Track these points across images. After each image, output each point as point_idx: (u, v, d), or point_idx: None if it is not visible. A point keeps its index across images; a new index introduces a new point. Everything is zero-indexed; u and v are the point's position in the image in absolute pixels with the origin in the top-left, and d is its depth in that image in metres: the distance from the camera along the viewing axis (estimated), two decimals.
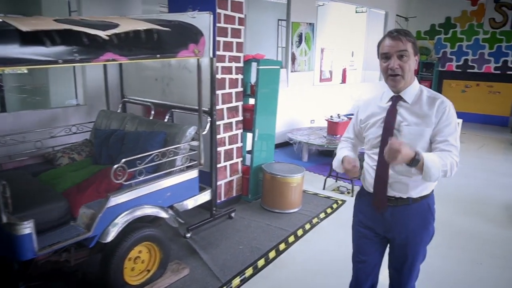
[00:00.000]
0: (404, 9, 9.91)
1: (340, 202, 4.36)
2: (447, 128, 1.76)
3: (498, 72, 9.41)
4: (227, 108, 3.86)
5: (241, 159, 4.16)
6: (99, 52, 2.19)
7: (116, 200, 2.43)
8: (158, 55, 2.51)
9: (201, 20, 3.21)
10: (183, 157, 2.89)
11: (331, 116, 6.38)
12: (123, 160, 2.43)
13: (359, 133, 2.02)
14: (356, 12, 10.17)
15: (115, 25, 2.33)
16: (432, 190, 1.96)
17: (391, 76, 1.75)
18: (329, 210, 4.15)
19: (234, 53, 3.84)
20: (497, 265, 3.21)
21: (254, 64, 4.10)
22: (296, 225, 3.75)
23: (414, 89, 1.82)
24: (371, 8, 9.01)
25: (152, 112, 3.56)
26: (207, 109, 3.39)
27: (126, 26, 2.36)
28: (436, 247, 3.42)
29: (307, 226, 3.76)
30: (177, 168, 2.85)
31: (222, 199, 4.03)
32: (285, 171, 4.06)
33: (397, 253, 1.98)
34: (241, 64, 3.94)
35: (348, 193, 4.65)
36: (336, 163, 1.99)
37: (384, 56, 1.76)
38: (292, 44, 6.54)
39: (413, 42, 1.77)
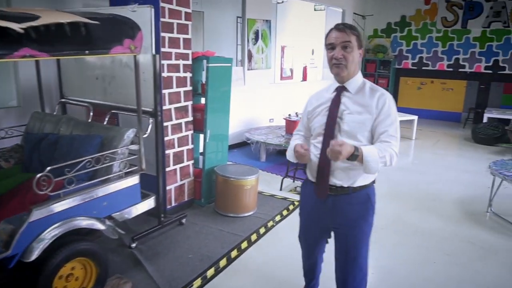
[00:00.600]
0: (361, 7, 10.00)
1: (296, 203, 4.25)
2: (387, 119, 1.87)
3: (451, 69, 9.69)
4: (175, 108, 3.65)
5: (192, 161, 3.95)
6: (13, 47, 1.93)
7: (40, 213, 2.17)
8: (86, 51, 2.26)
9: (142, 14, 2.99)
10: (121, 162, 2.66)
11: (289, 115, 6.28)
12: (48, 168, 2.18)
13: (307, 125, 2.08)
14: (314, 10, 10.18)
15: (35, 18, 2.07)
16: (373, 181, 2.04)
17: (335, 65, 1.87)
18: (285, 212, 4.03)
19: (182, 50, 3.63)
20: (449, 262, 3.20)
21: (205, 62, 3.91)
22: (250, 230, 3.60)
23: (357, 80, 1.94)
24: (329, 6, 9.01)
25: (91, 114, 3.29)
26: (151, 110, 3.17)
27: (47, 18, 2.11)
28: (390, 246, 3.40)
29: (262, 230, 3.61)
30: (115, 174, 2.62)
31: (173, 204, 3.81)
32: (239, 173, 3.90)
33: (339, 243, 2.08)
34: (189, 62, 3.73)
35: None
36: (289, 152, 2.07)
37: (330, 47, 1.87)
38: (248, 41, 6.39)
39: (357, 35, 1.89)
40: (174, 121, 3.66)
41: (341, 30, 1.85)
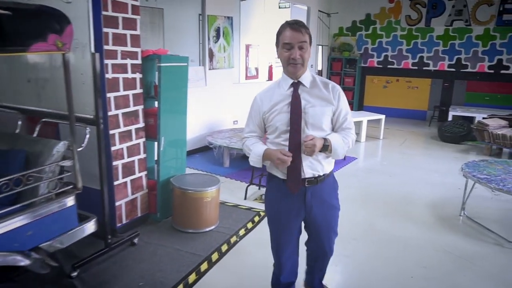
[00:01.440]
0: (326, 5, 9.82)
1: (262, 214, 3.92)
2: (345, 109, 2.04)
3: (416, 67, 9.68)
4: (123, 113, 3.23)
5: (145, 172, 3.54)
6: None
7: None
8: None
9: (78, 6, 2.57)
10: (50, 182, 2.23)
11: None
12: None
13: (260, 125, 2.06)
14: (279, 7, 9.92)
15: None
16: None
17: (292, 64, 1.89)
18: (250, 225, 3.69)
19: (129, 48, 3.21)
20: (427, 276, 2.97)
21: (157, 61, 3.50)
22: (211, 248, 3.23)
23: (308, 75, 2.01)
24: (294, 3, 8.76)
25: (19, 123, 2.82)
26: (91, 117, 2.74)
27: None
28: (363, 259, 3.12)
29: (224, 248, 3.26)
30: (42, 197, 2.19)
31: (124, 221, 3.39)
32: (198, 183, 3.52)
33: (315, 232, 2.18)
34: (138, 61, 3.32)
35: None
36: (255, 158, 1.99)
37: (288, 47, 1.88)
38: (209, 39, 6.01)
39: (309, 34, 1.93)
40: (122, 128, 3.24)
41: (297, 30, 1.86)
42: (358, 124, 7.36)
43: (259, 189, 4.52)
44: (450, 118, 8.15)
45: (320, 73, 10.04)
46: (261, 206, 4.13)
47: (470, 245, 3.45)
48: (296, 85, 1.95)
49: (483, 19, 8.86)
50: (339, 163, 5.78)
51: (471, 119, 8.31)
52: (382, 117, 7.48)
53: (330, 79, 10.62)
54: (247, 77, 9.31)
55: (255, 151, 1.99)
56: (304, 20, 8.98)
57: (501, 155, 6.62)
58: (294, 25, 1.87)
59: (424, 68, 9.58)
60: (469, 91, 9.30)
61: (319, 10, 9.36)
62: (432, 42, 9.40)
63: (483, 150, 6.67)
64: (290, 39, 1.85)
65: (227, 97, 6.54)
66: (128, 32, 3.19)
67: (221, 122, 6.46)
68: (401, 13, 9.60)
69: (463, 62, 9.18)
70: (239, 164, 5.56)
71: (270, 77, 9.43)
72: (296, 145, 1.92)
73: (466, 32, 9.05)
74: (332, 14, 9.96)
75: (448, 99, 9.49)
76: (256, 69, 9.83)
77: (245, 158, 5.66)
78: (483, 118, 7.09)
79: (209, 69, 6.08)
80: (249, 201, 4.28)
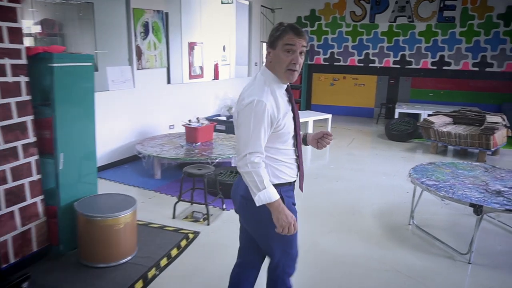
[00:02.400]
0: (269, 0, 9.41)
1: (191, 236, 3.39)
2: None
3: (362, 64, 9.53)
4: (2, 127, 2.57)
5: (41, 197, 2.89)
6: None
7: None
8: None
9: None
10: None
11: (189, 121, 5.40)
12: None
13: (267, 137, 1.77)
14: (222, 3, 9.38)
15: None
16: None
17: (291, 70, 1.76)
18: (174, 252, 3.14)
19: (7, 45, 2.55)
20: None
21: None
22: (122, 287, 2.65)
23: None
24: None
25: None
26: None
27: None
28: (302, 284, 2.68)
29: (139, 286, 2.69)
30: None
31: (12, 261, 2.72)
32: (107, 207, 2.92)
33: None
34: (22, 61, 2.67)
35: (204, 219, 3.71)
36: (263, 197, 1.68)
37: (290, 49, 1.73)
38: (136, 35, 5.36)
39: (308, 40, 1.66)
40: (2, 146, 2.57)
41: (301, 35, 1.75)
42: (304, 125, 7.01)
43: (191, 204, 3.99)
44: (396, 115, 8.02)
45: None
46: (191, 226, 3.60)
47: (420, 260, 3.12)
48: (289, 89, 1.89)
49: (425, 15, 8.84)
50: None
51: (416, 116, 8.25)
52: (329, 116, 7.18)
53: None
54: (191, 77, 8.71)
55: (270, 192, 1.68)
56: (246, 16, 8.51)
57: (447, 153, 6.53)
58: (297, 30, 1.74)
59: (370, 65, 9.46)
60: (414, 88, 9.28)
61: (262, 5, 8.93)
62: (377, 38, 9.28)
63: (429, 148, 6.54)
64: (295, 42, 1.72)
65: (160, 99, 5.92)
66: (4, 25, 2.53)
67: (155, 127, 5.84)
68: (345, 9, 9.40)
69: (408, 59, 9.14)
70: (172, 174, 4.97)
71: (216, 76, 8.89)
72: (299, 146, 1.91)
73: (409, 28, 9.00)
74: (276, 9, 9.57)
75: (394, 96, 9.42)
76: (201, 68, 9.25)
77: (180, 168, 5.10)
78: (428, 115, 6.98)
79: (138, 69, 5.43)
80: (178, 220, 3.73)
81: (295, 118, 1.85)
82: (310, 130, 6.92)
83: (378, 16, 9.18)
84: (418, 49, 9.01)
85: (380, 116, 9.20)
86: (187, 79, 8.29)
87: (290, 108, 1.83)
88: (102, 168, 5.05)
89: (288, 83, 1.85)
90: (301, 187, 2.04)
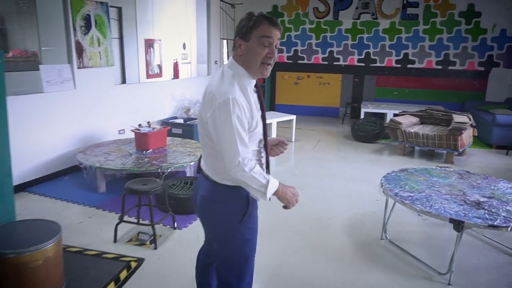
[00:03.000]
0: None
1: (134, 265, 2.87)
2: None
3: (326, 62, 9.25)
4: None
5: None
6: None
7: None
8: None
9: None
10: None
11: (140, 125, 4.84)
12: None
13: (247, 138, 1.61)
14: None
15: None
16: None
17: (267, 64, 1.62)
18: None
19: None
20: None
21: None
22: None
23: None
24: None
25: None
26: None
27: None
28: None
29: None
30: None
31: None
32: (23, 240, 2.37)
33: None
34: None
35: (151, 242, 3.20)
36: (269, 189, 1.60)
37: (266, 42, 1.58)
38: (75, 30, 4.74)
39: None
40: None
41: (277, 27, 1.61)
42: (267, 127, 6.59)
43: (137, 223, 3.45)
44: (362, 115, 7.78)
45: None
46: (135, 251, 3.08)
47: (397, 283, 2.77)
48: (257, 86, 1.71)
49: (389, 12, 8.66)
50: None
51: (382, 115, 8.04)
52: (293, 117, 6.81)
53: None
54: (148, 76, 8.10)
55: (272, 182, 1.62)
56: (204, 12, 7.99)
57: (414, 153, 6.32)
58: (273, 20, 1.60)
59: (335, 63, 9.19)
60: (378, 86, 9.09)
61: (221, 0, 8.43)
62: (341, 35, 9.03)
63: (397, 150, 6.29)
64: (271, 34, 1.58)
65: (108, 101, 5.32)
66: None
67: (101, 133, 5.23)
68: (308, 5, 9.08)
69: (372, 57, 8.94)
70: (118, 187, 4.38)
71: (176, 75, 8.32)
72: (267, 146, 1.79)
73: (373, 25, 8.80)
74: (236, 5, 9.10)
75: (359, 95, 9.20)
76: (160, 67, 8.64)
77: (129, 178, 4.50)
78: (395, 115, 6.75)
79: (79, 67, 4.81)
80: (120, 244, 3.20)
81: (264, 117, 1.71)
82: (273, 133, 6.52)
83: (342, 12, 8.91)
84: (382, 47, 8.83)
85: (346, 116, 8.95)
86: (144, 78, 7.71)
87: (258, 106, 1.68)
88: (37, 182, 4.42)
89: (257, 79, 1.69)
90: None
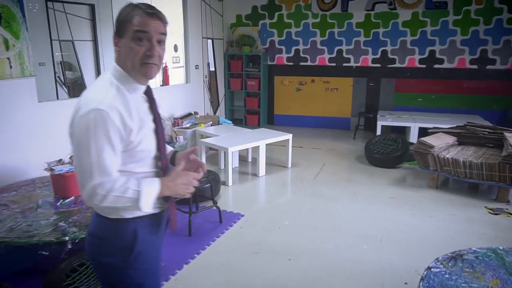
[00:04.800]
0: None
1: None
2: None
3: (333, 64, 7.67)
4: None
5: None
6: None
7: None
8: None
9: None
10: None
11: (59, 161, 3.38)
12: None
13: (115, 159, 1.32)
14: None
15: None
16: None
17: (147, 64, 1.34)
18: None
19: None
20: None
21: None
22: None
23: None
24: None
25: None
26: None
27: None
28: None
29: None
30: None
31: None
32: None
33: None
34: None
35: None
36: (149, 196, 1.33)
37: (142, 36, 1.31)
38: None
39: (167, 25, 1.39)
40: None
41: (156, 17, 1.33)
42: (255, 150, 5.09)
43: None
44: (378, 130, 6.19)
45: (214, 75, 7.66)
46: None
47: None
48: (149, 92, 1.45)
49: (410, 1, 7.04)
50: (210, 231, 3.43)
51: (404, 129, 6.45)
52: (288, 137, 5.26)
53: (228, 82, 8.46)
54: None
55: (148, 186, 1.32)
56: (180, 5, 6.50)
57: (448, 184, 4.71)
58: (151, 11, 1.32)
59: (344, 64, 7.60)
60: (398, 92, 7.47)
61: None
62: (352, 31, 7.44)
63: (427, 180, 4.69)
64: (147, 27, 1.30)
65: (28, 125, 3.89)
66: None
67: (16, 169, 3.79)
68: None
69: (390, 56, 7.32)
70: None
71: (166, 81, 6.90)
72: (165, 168, 1.48)
73: (391, 17, 7.19)
74: None
75: (375, 102, 7.59)
76: None
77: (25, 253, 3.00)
78: (422, 131, 5.12)
79: None
80: None
81: (158, 132, 1.43)
82: (262, 160, 4.99)
83: (351, 3, 7.32)
84: (403, 44, 7.21)
85: (359, 129, 7.35)
86: None
87: (150, 118, 1.42)
88: None
89: (149, 84, 1.43)
90: (172, 225, 1.54)
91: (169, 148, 1.62)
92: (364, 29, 7.35)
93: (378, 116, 6.62)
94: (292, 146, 5.41)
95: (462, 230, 3.51)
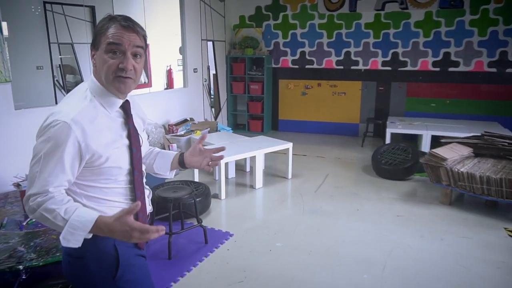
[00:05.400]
0: None
1: None
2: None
3: (341, 67, 7.27)
4: None
5: None
6: None
7: None
8: None
9: None
10: None
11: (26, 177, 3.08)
12: None
13: (75, 171, 1.28)
14: None
15: None
16: None
17: (121, 78, 1.29)
18: None
19: None
20: None
21: None
22: None
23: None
24: None
25: None
26: None
27: None
28: None
29: None
30: None
31: None
32: None
33: None
34: None
35: None
36: (79, 230, 1.18)
37: (114, 49, 1.27)
38: None
39: (146, 37, 1.36)
40: None
41: (130, 29, 1.28)
42: (252, 159, 4.74)
43: None
44: (388, 138, 5.76)
45: (215, 78, 7.34)
46: None
47: None
48: (126, 106, 1.39)
49: (423, 0, 6.60)
50: (192, 254, 3.08)
51: (415, 137, 6.02)
52: (288, 146, 4.89)
53: (230, 86, 8.17)
54: None
55: (79, 218, 1.18)
56: (177, 6, 6.19)
57: (464, 201, 4.27)
58: (125, 22, 1.27)
59: (352, 67, 7.19)
60: (410, 96, 7.02)
61: None
62: (360, 32, 7.02)
63: (439, 196, 4.26)
64: (120, 39, 1.26)
65: (6, 134, 3.62)
66: None
67: None
68: None
69: (401, 58, 6.88)
70: None
71: (170, 84, 6.63)
72: (141, 188, 1.43)
73: (402, 17, 6.75)
74: None
75: (385, 108, 7.16)
76: (148, 75, 6.95)
77: None
78: (435, 140, 4.68)
79: None
80: None
81: (132, 148, 1.37)
82: (259, 170, 4.62)
83: (360, 2, 6.92)
84: (415, 45, 6.76)
85: (367, 135, 6.93)
86: None
87: (124, 133, 1.36)
88: None
89: (127, 98, 1.39)
90: (139, 244, 1.42)
91: (172, 154, 1.62)
92: (374, 30, 6.93)
93: (387, 122, 6.19)
94: (295, 155, 5.05)
95: (478, 257, 3.08)
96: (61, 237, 1.18)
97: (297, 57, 7.47)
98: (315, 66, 7.39)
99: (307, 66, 7.44)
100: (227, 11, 7.40)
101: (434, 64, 6.72)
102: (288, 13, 7.35)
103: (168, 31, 6.57)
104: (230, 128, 6.33)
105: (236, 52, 7.57)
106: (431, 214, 3.92)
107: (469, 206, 4.10)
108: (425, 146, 5.55)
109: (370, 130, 7.05)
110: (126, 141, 1.36)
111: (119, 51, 1.27)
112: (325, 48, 7.27)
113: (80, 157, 1.24)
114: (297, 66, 7.51)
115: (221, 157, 1.56)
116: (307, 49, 7.38)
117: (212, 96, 7.32)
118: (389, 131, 5.79)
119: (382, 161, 5.09)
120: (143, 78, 6.87)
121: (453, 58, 6.61)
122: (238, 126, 7.87)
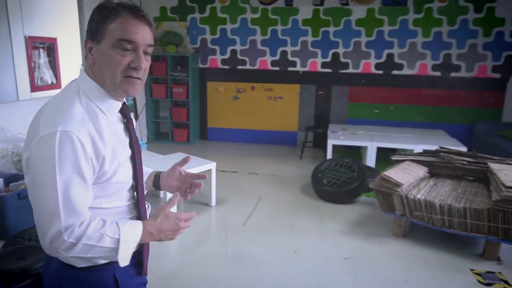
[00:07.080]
0: None
1: None
2: None
3: (277, 68, 6.44)
4: None
5: None
6: None
7: None
8: None
9: None
10: None
11: None
12: None
13: (85, 193, 1.06)
14: None
15: None
16: None
17: (132, 78, 1.08)
18: None
19: None
20: None
21: None
22: None
23: None
24: None
25: None
26: None
27: None
28: None
29: None
30: None
31: None
32: None
33: None
34: None
35: None
36: (129, 245, 1.06)
37: (127, 47, 1.05)
38: None
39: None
40: None
41: (145, 22, 1.07)
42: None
43: None
44: (329, 153, 5.01)
45: None
46: None
47: None
48: (125, 110, 1.17)
49: None
50: None
51: (359, 148, 5.34)
52: (211, 166, 3.93)
53: (150, 89, 6.86)
54: (34, 89, 5.11)
55: (128, 233, 1.05)
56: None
57: (418, 233, 3.56)
58: (139, 13, 1.05)
59: (289, 68, 6.40)
60: (352, 102, 6.36)
61: None
62: (298, 29, 6.24)
63: (391, 226, 3.53)
64: (135, 36, 1.04)
65: None
66: None
67: None
68: None
69: (342, 59, 6.20)
70: None
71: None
72: (144, 204, 1.24)
73: (343, 14, 6.07)
74: None
75: (325, 114, 6.44)
76: (55, 75, 5.61)
77: None
78: (391, 157, 3.94)
79: None
80: None
81: (135, 158, 1.16)
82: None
83: None
84: (357, 45, 6.12)
85: (307, 146, 6.16)
86: (27, 92, 4.75)
87: (127, 142, 1.15)
88: None
89: (125, 100, 1.17)
90: (143, 267, 1.24)
91: (147, 171, 1.38)
92: (312, 27, 6.18)
93: (328, 132, 5.45)
94: (223, 172, 4.13)
95: None
96: (119, 258, 1.02)
97: (227, 56, 6.52)
98: (248, 66, 6.50)
99: (238, 67, 6.53)
100: (144, 1, 6.27)
101: (377, 66, 6.12)
102: (216, 5, 6.38)
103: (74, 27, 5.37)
104: (144, 142, 5.23)
105: (156, 49, 6.46)
106: (384, 253, 3.15)
107: (425, 238, 3.39)
108: (370, 159, 4.89)
109: (309, 140, 6.30)
110: (129, 151, 1.15)
111: (131, 47, 1.05)
112: (259, 46, 6.40)
113: (93, 172, 1.03)
114: (227, 67, 6.56)
115: (200, 185, 1.32)
116: (238, 47, 6.46)
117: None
118: (330, 142, 5.03)
119: (324, 180, 4.29)
120: (50, 78, 5.59)
121: (396, 60, 6.05)
122: (161, 136, 6.77)
